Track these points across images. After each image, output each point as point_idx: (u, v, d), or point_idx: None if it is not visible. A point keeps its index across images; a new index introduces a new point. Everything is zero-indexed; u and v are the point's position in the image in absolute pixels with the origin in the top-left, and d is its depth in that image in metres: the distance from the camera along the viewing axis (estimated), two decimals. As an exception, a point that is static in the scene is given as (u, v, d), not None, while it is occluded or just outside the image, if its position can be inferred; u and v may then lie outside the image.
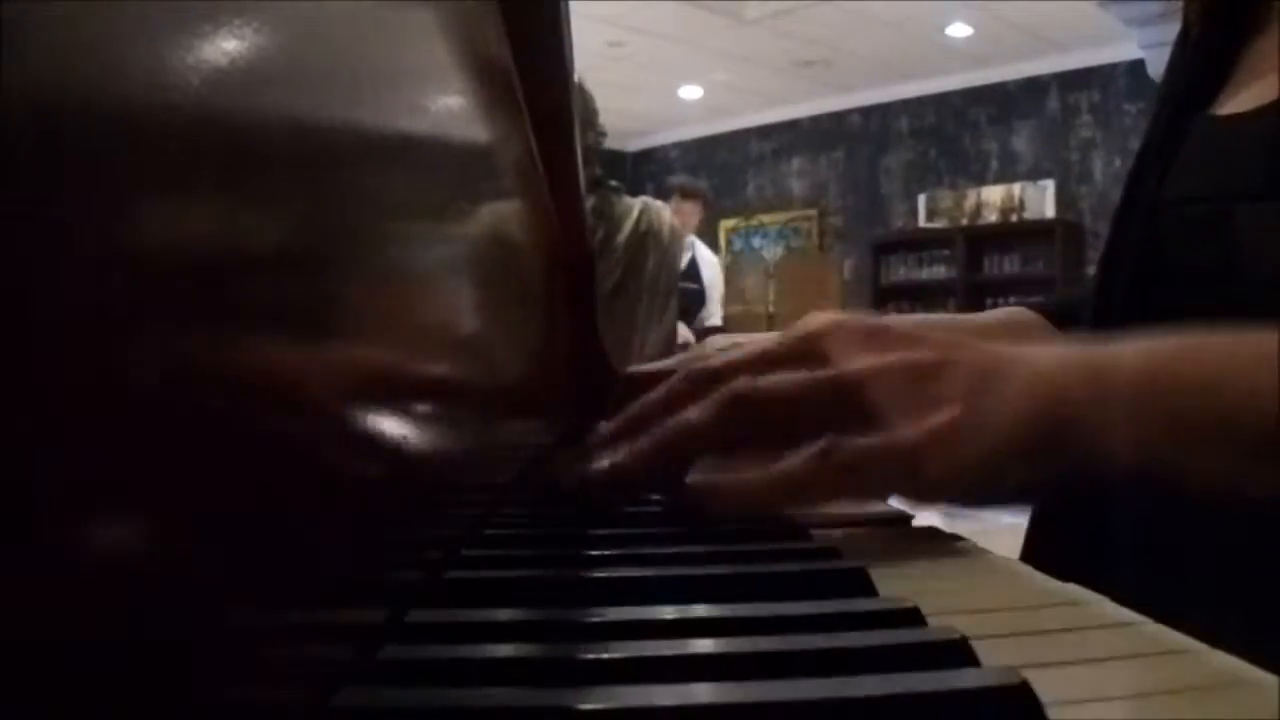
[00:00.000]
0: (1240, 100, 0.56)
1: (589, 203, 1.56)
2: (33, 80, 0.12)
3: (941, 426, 0.41)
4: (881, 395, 0.42)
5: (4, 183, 0.12)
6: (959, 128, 7.00)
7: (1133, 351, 0.42)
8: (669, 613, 0.29)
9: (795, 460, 0.42)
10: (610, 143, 2.45)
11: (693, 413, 0.45)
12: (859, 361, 0.43)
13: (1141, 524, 0.56)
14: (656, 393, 0.49)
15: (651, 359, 2.18)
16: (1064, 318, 0.66)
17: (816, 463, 0.42)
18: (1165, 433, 0.40)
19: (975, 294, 6.76)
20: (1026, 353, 0.43)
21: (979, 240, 6.80)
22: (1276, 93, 0.53)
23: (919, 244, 7.11)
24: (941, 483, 0.42)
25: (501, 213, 0.65)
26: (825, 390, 0.43)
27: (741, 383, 0.44)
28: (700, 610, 0.30)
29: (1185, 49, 0.64)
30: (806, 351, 0.46)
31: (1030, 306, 0.69)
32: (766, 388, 0.44)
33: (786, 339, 0.47)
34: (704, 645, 0.26)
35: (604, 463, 0.46)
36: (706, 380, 0.47)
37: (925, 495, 0.43)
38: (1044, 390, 0.41)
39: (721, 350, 0.50)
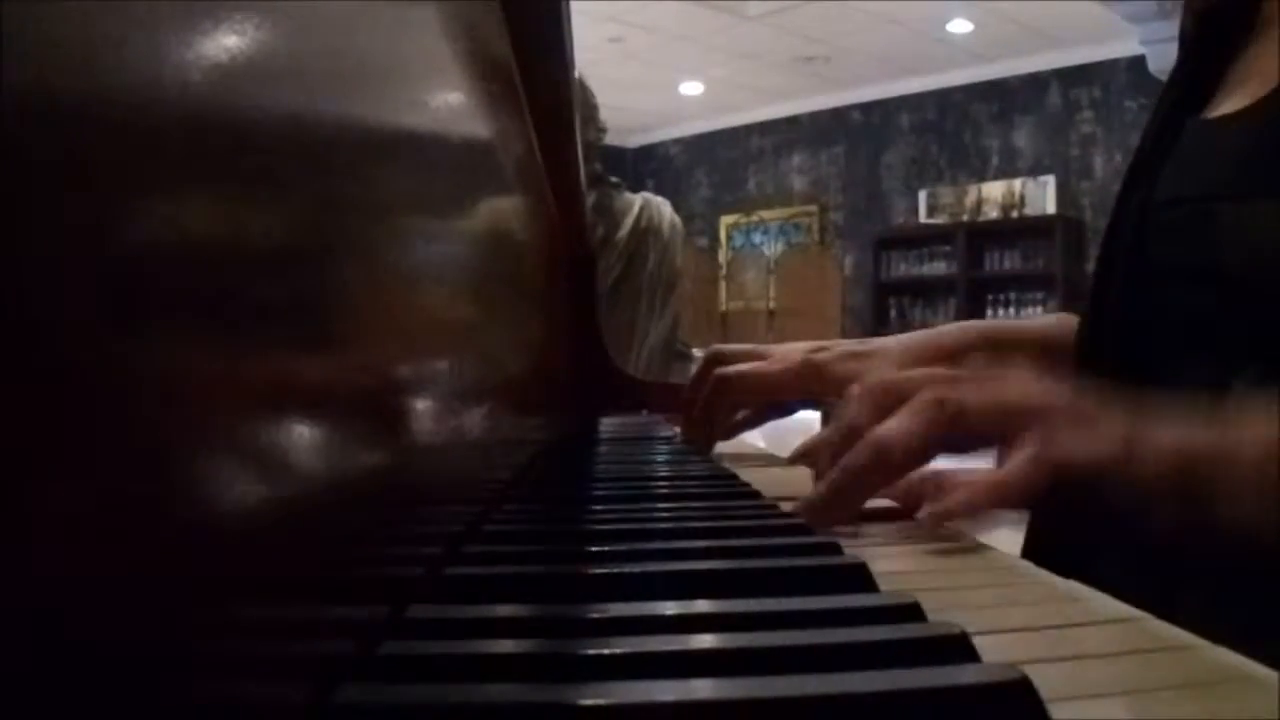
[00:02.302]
0: (1229, 104, 0.58)
1: (589, 199, 1.56)
2: (33, 79, 0.12)
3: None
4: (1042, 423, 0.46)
5: (4, 182, 0.12)
6: (960, 124, 6.99)
7: (1253, 429, 0.43)
8: (669, 608, 0.29)
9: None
10: (611, 139, 2.45)
11: (897, 423, 0.47)
12: (1015, 391, 0.48)
13: (1142, 521, 0.56)
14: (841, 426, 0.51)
15: (652, 356, 2.18)
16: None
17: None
18: None
19: (975, 290, 6.76)
20: (1163, 424, 0.45)
21: (980, 236, 6.79)
22: (1258, 96, 0.54)
23: (920, 240, 7.10)
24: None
25: (502, 209, 0.65)
26: (1004, 411, 0.47)
27: (938, 390, 0.48)
28: (700, 605, 0.30)
29: (1181, 55, 0.65)
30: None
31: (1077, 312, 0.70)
32: (962, 396, 0.48)
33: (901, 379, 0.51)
34: (704, 640, 0.26)
35: (824, 489, 0.48)
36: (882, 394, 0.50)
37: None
38: (1173, 465, 0.43)
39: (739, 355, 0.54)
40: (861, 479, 0.48)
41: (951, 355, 0.74)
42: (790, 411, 0.92)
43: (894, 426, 0.47)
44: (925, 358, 0.74)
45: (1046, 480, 0.45)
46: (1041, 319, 0.82)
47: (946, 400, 0.47)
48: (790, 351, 0.82)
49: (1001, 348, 0.75)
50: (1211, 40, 0.62)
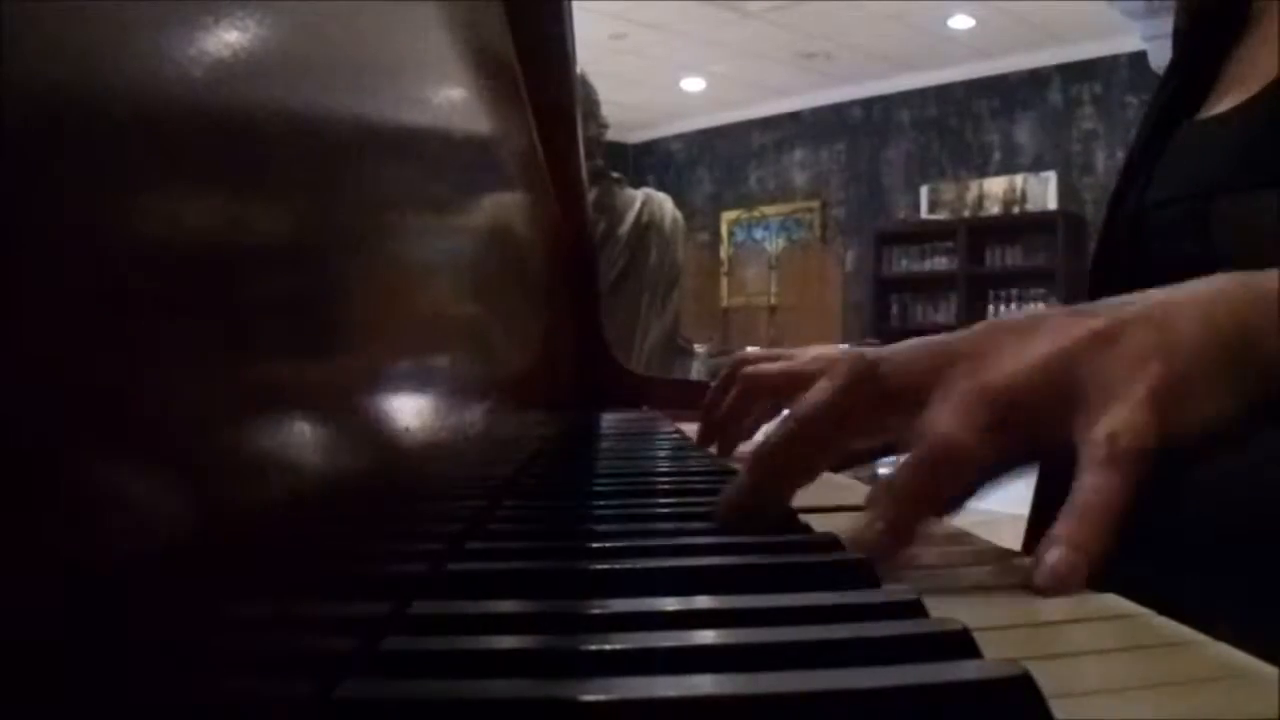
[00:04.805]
0: (1222, 104, 0.58)
1: (591, 195, 1.56)
2: (33, 77, 0.12)
3: (1158, 382, 0.36)
4: (1079, 374, 0.37)
5: (4, 181, 0.12)
6: (961, 119, 6.98)
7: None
8: (671, 604, 0.29)
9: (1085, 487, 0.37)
10: (612, 135, 2.45)
11: (817, 392, 0.41)
12: (1032, 346, 0.39)
13: (1141, 516, 0.56)
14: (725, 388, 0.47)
15: (653, 352, 2.18)
16: None
17: (1104, 480, 0.36)
18: None
19: (977, 286, 6.76)
20: (1184, 289, 0.40)
21: (981, 232, 6.79)
22: (1250, 94, 0.55)
23: (921, 236, 7.09)
24: (1182, 438, 0.37)
25: (504, 205, 0.65)
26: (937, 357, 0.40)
27: (862, 359, 0.42)
28: (703, 602, 0.30)
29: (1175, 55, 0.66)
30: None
31: None
32: (888, 357, 0.41)
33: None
34: (706, 637, 0.26)
35: (745, 479, 0.42)
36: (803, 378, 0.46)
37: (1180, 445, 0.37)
38: (1219, 313, 0.38)
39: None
40: (784, 458, 0.42)
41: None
42: None
43: (809, 397, 0.41)
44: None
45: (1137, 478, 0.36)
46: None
47: (858, 361, 0.41)
48: (826, 353, 0.74)
49: None
50: (1204, 39, 0.62)
